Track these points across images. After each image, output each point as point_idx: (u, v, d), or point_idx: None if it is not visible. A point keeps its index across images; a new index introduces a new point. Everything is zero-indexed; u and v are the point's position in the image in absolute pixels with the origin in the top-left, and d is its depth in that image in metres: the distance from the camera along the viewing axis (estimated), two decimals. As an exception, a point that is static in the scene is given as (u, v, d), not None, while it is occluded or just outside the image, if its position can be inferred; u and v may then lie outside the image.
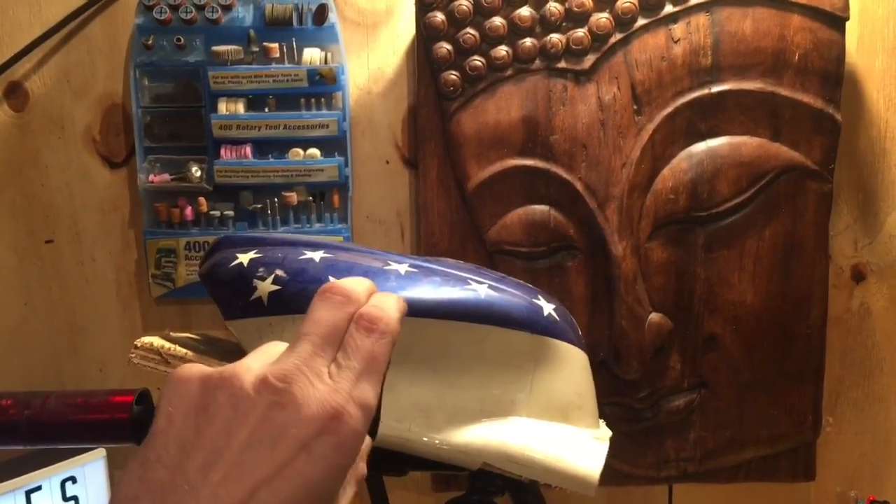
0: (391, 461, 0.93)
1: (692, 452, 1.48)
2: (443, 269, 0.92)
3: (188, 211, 1.42)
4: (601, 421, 0.98)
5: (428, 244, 1.44)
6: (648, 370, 1.42)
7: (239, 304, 0.87)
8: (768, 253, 1.41)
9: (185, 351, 0.88)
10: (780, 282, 1.42)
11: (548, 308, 0.93)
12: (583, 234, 1.40)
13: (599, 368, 1.43)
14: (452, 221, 1.44)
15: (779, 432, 1.47)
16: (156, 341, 0.89)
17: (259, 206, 1.43)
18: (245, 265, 0.88)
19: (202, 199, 1.42)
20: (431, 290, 0.87)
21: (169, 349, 0.88)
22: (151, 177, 1.42)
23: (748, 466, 1.49)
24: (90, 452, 1.43)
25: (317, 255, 0.90)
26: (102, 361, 1.52)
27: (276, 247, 0.92)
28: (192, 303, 1.48)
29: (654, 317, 1.41)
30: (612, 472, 1.49)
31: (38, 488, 1.36)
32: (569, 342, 0.93)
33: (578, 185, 1.38)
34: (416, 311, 0.86)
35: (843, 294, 1.51)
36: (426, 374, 0.86)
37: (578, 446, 0.88)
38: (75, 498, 1.41)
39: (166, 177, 1.42)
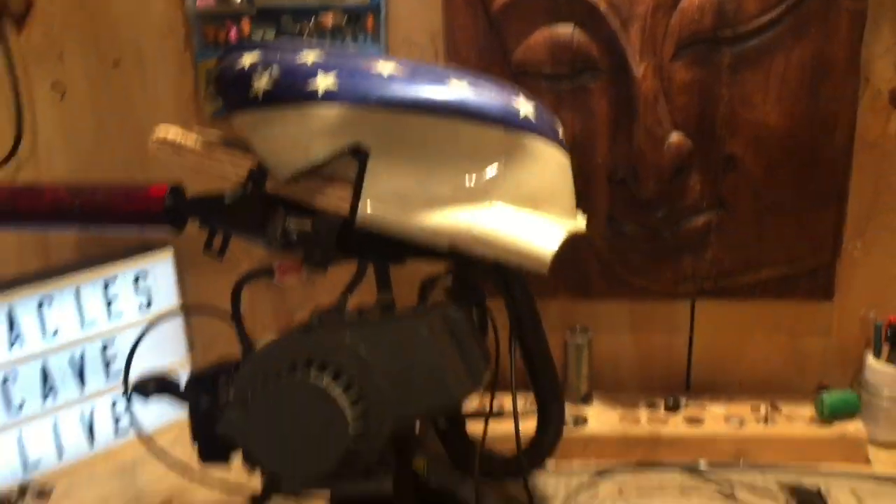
0: (392, 248, 1.04)
1: (709, 270, 1.53)
2: (427, 68, 0.99)
3: (233, 32, 1.52)
4: (580, 215, 1.05)
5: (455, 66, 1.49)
6: (668, 190, 1.46)
7: (238, 99, 0.97)
8: (796, 74, 1.40)
9: (192, 143, 1.00)
10: (807, 103, 1.41)
11: (526, 107, 0.99)
12: (605, 54, 1.42)
13: (619, 187, 1.48)
14: (480, 45, 1.48)
15: (797, 253, 1.50)
16: (170, 134, 1.01)
17: (298, 28, 1.51)
18: (246, 66, 0.98)
19: (246, 22, 1.52)
20: (410, 87, 0.95)
21: (178, 141, 1.00)
22: (198, 0, 1.52)
23: (764, 285, 1.53)
24: (159, 251, 1.62)
25: (311, 56, 0.98)
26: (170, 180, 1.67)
27: (277, 49, 1.01)
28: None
29: (675, 137, 1.43)
30: (631, 287, 1.57)
31: (114, 279, 1.56)
32: (545, 139, 0.99)
33: (601, 4, 1.39)
34: (396, 105, 0.94)
35: (879, 118, 1.48)
36: (405, 164, 0.95)
37: (538, 230, 0.95)
38: (147, 290, 1.61)
39: (211, 0, 1.51)
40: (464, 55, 1.48)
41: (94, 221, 1.12)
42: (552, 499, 1.12)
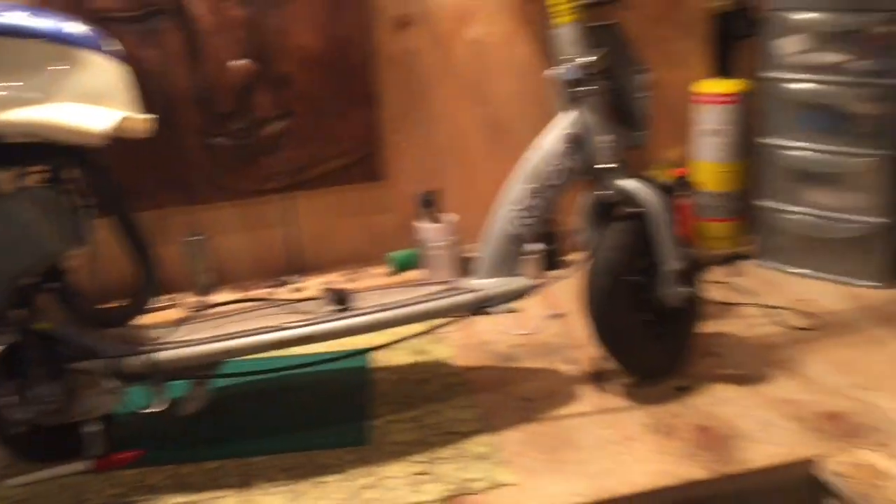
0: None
1: (287, 168, 1.95)
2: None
3: None
4: (146, 115, 1.38)
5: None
6: (242, 106, 1.85)
7: None
8: (320, 5, 1.84)
9: None
10: (331, 29, 1.86)
11: (76, 28, 1.30)
12: (167, -1, 1.77)
13: (204, 106, 1.85)
14: (64, -4, 1.76)
15: (349, 147, 1.97)
16: None
17: None
18: None
19: None
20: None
21: None
22: None
23: (332, 175, 1.99)
24: None
25: None
26: None
27: None
28: None
29: (241, 62, 1.83)
30: (229, 189, 1.95)
31: None
32: (95, 52, 1.31)
33: (159, -42, 1.73)
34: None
35: (393, 39, 1.98)
36: (-21, 77, 1.23)
37: (94, 116, 1.27)
38: None
39: None
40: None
41: None
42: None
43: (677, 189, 1.59)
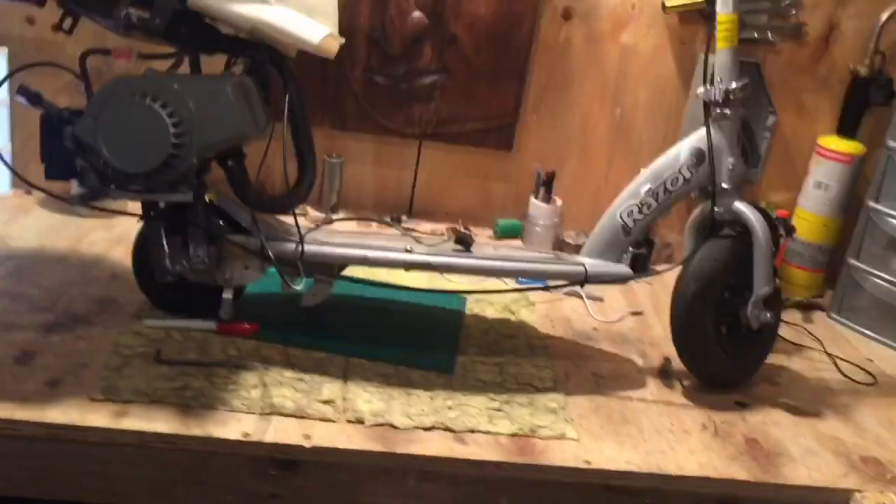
0: (208, 39, 1.50)
1: (431, 118, 2.13)
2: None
3: None
4: (337, 35, 1.57)
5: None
6: (408, 53, 2.03)
7: None
8: (499, -20, 2.02)
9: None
10: (504, 3, 2.03)
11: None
12: (372, -55, 1.95)
13: (375, 46, 2.03)
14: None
15: (490, 113, 2.13)
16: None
17: None
18: None
19: None
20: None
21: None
22: None
23: (468, 135, 2.16)
24: (-5, 47, 1.94)
25: None
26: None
27: None
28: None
29: (416, 14, 2.01)
30: (377, 124, 2.13)
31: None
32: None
33: None
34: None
35: (554, 27, 2.13)
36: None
37: (311, 26, 1.46)
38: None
39: None
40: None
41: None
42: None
43: (779, 226, 1.72)
